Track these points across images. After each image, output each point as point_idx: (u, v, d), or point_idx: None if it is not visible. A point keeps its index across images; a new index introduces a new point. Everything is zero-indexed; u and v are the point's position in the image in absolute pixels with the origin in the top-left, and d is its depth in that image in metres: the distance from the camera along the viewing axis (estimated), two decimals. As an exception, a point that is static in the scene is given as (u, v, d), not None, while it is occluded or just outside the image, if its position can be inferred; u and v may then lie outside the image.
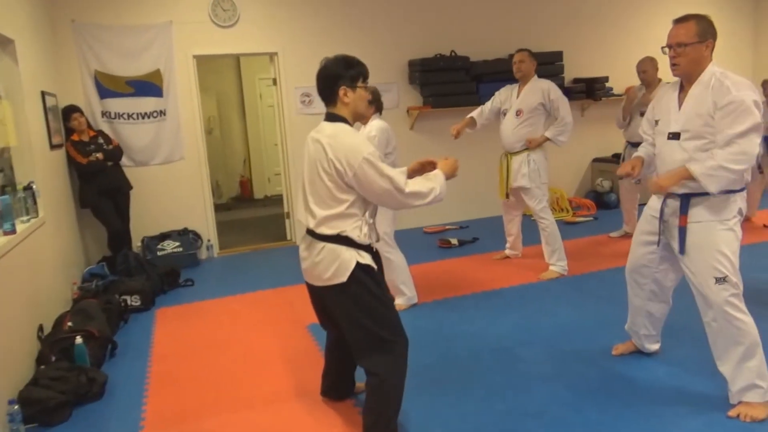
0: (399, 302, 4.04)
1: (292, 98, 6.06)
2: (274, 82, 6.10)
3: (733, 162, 2.33)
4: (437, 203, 2.33)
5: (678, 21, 2.50)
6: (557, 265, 4.59)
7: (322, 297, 2.41)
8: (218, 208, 7.02)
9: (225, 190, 9.33)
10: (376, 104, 3.95)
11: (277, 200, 8.00)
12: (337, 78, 2.25)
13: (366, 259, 2.29)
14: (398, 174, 2.22)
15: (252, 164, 9.52)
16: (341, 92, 2.25)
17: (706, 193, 2.45)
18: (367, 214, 2.31)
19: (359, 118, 2.38)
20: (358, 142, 2.22)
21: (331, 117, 2.32)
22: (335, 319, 2.43)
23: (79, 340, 3.25)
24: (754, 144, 2.34)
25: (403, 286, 4.05)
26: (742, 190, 2.50)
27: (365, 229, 2.29)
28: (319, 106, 6.36)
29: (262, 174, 9.50)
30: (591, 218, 6.53)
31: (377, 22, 6.19)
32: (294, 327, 3.88)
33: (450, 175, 2.38)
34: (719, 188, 2.39)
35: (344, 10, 6.06)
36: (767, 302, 3.60)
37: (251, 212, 8.48)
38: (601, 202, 6.96)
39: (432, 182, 2.29)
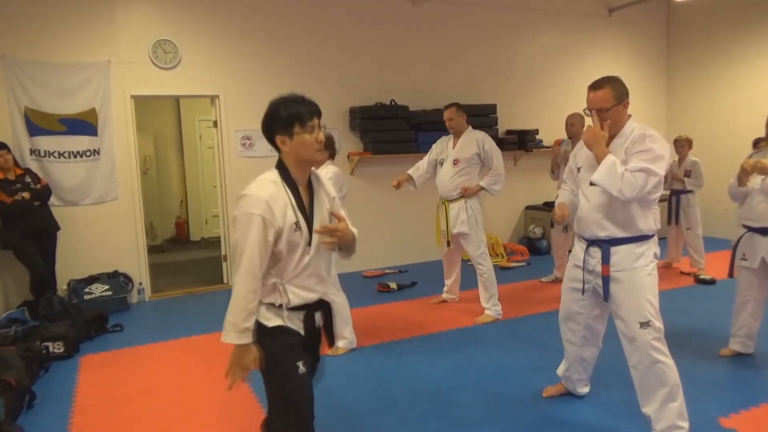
0: (339, 345, 4.04)
1: (233, 141, 6.05)
2: (215, 124, 6.09)
3: (631, 181, 2.46)
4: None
5: (594, 87, 2.66)
6: (492, 309, 4.72)
7: None
8: (152, 250, 6.82)
9: (160, 232, 9.06)
10: (331, 150, 4.02)
11: (214, 242, 7.84)
12: (271, 130, 2.05)
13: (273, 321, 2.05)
14: (250, 255, 1.93)
15: (189, 205, 9.32)
16: (278, 141, 2.04)
17: (625, 240, 2.64)
18: (273, 272, 2.04)
19: (309, 164, 2.09)
20: (245, 195, 1.99)
21: (276, 164, 2.10)
22: None
23: (-7, 390, 3.04)
24: (649, 182, 2.47)
25: (345, 330, 4.04)
26: (654, 236, 2.70)
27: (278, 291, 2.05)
28: (260, 150, 6.40)
29: (199, 215, 9.31)
30: (524, 263, 6.77)
31: (318, 70, 6.33)
32: (228, 374, 3.77)
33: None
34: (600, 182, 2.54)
35: (286, 56, 6.17)
36: (683, 345, 3.84)
37: (187, 254, 8.25)
38: (533, 247, 7.23)
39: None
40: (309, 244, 2.03)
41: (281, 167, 2.06)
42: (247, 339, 1.99)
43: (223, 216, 6.21)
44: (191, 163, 9.22)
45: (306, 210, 2.05)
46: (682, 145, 5.97)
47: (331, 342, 2.29)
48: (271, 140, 2.07)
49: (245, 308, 1.98)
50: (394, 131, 6.47)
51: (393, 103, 6.55)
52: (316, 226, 2.04)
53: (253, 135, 6.06)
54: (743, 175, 3.38)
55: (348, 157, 6.55)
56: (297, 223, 1.99)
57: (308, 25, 6.27)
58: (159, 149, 9.06)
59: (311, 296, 2.09)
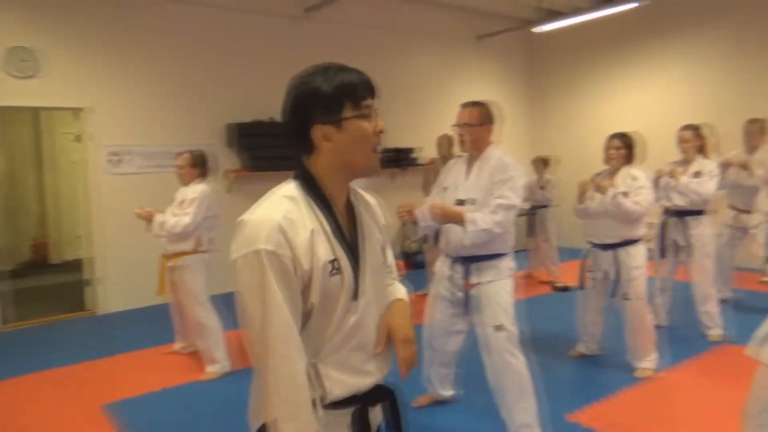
0: (211, 370, 3.95)
1: (100, 156, 5.71)
2: (78, 138, 5.71)
3: (495, 226, 2.78)
4: None
5: (465, 106, 2.99)
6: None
7: None
8: (5, 275, 6.22)
9: (14, 255, 8.25)
10: (201, 168, 3.96)
11: (77, 265, 7.30)
12: (306, 116, 1.32)
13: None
14: (279, 320, 1.20)
15: (50, 225, 8.59)
16: (317, 134, 1.31)
17: (485, 257, 2.89)
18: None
19: (358, 173, 1.35)
20: (243, 221, 1.26)
21: (295, 174, 1.38)
22: None
23: None
24: (509, 218, 2.81)
25: (217, 353, 3.96)
26: (509, 252, 2.98)
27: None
28: (129, 167, 6.12)
29: (60, 236, 8.60)
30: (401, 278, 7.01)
31: (194, 84, 6.16)
32: (88, 407, 3.55)
33: None
34: (474, 242, 2.81)
35: (159, 70, 5.94)
36: (539, 348, 4.14)
37: (45, 279, 7.59)
38: (411, 262, 7.52)
39: None
40: (355, 296, 1.30)
41: (305, 177, 1.34)
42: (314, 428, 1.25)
43: (89, 237, 5.81)
44: (51, 179, 8.53)
45: (347, 242, 1.32)
46: (537, 164, 6.56)
47: None
48: (302, 133, 1.32)
49: (296, 386, 1.23)
50: (274, 147, 6.44)
51: (272, 120, 6.53)
52: (365, 268, 1.33)
53: (120, 150, 5.76)
54: (579, 193, 3.89)
55: (225, 173, 6.42)
56: (335, 262, 1.26)
57: (186, 39, 6.11)
58: (14, 164, 8.29)
59: (362, 382, 1.35)
